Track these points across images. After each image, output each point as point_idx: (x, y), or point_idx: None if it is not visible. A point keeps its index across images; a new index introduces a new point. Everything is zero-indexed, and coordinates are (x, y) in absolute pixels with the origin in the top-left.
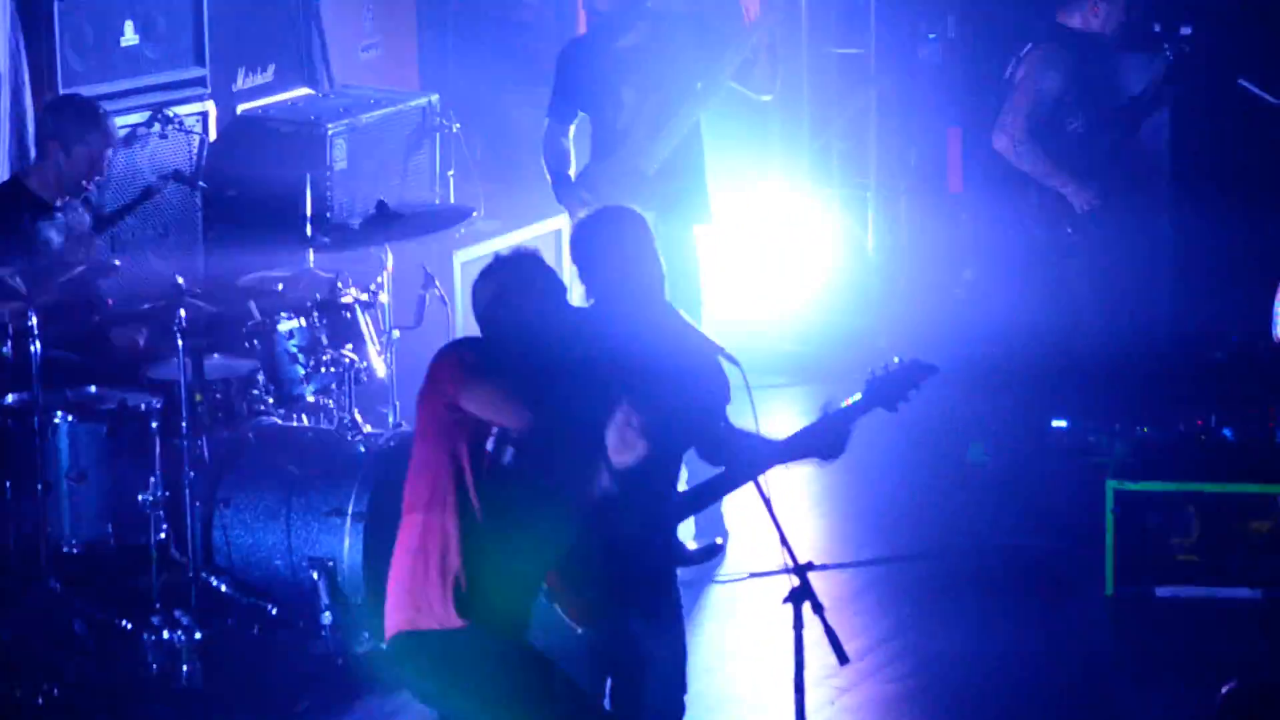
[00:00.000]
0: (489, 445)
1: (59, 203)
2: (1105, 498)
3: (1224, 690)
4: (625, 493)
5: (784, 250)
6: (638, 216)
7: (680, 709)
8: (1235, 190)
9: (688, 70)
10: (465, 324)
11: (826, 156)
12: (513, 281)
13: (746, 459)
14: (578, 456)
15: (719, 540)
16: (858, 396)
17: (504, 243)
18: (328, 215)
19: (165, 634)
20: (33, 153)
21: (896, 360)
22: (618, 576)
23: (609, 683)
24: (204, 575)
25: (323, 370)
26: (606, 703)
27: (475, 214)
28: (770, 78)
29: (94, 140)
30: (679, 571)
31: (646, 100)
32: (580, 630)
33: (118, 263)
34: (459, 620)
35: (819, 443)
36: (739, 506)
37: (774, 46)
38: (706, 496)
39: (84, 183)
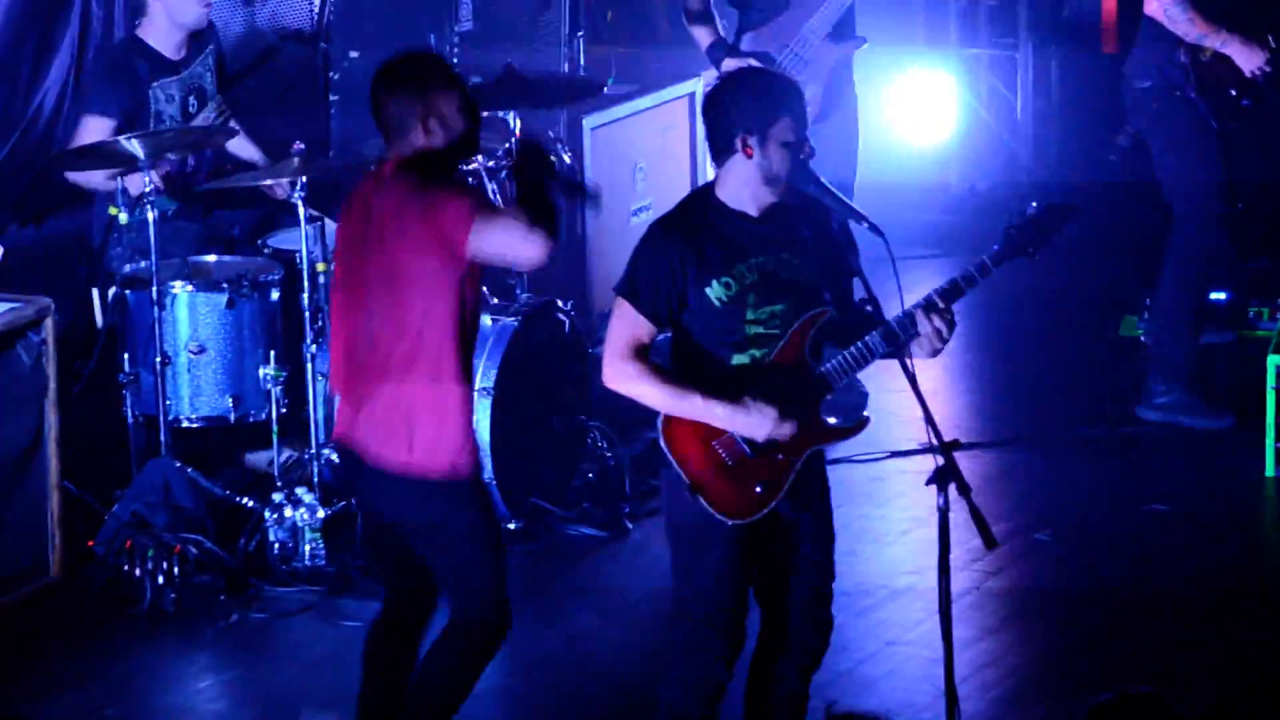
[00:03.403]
0: None
1: (179, 56)
2: (1267, 374)
3: None
4: (764, 377)
5: (930, 116)
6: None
7: (828, 597)
8: None
9: None
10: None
11: (974, 16)
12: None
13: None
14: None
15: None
16: (995, 250)
17: (636, 108)
18: None
19: (287, 512)
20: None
21: (1034, 205)
22: (767, 463)
23: (755, 572)
24: (326, 453)
25: None
26: (752, 593)
27: (604, 88)
28: None
29: None
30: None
31: None
32: (730, 523)
33: (235, 126)
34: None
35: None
36: (879, 384)
37: None
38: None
39: (195, 8)
